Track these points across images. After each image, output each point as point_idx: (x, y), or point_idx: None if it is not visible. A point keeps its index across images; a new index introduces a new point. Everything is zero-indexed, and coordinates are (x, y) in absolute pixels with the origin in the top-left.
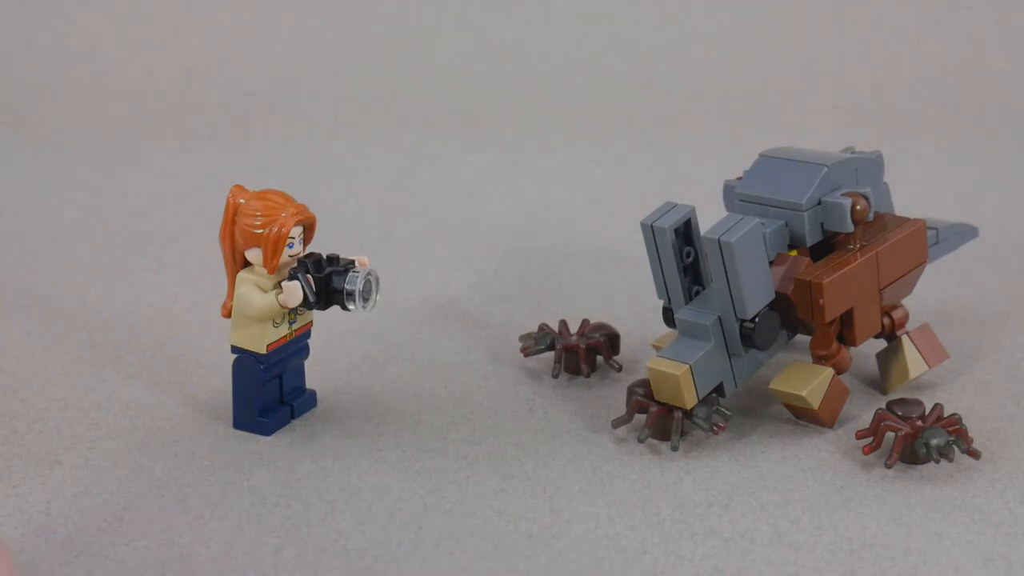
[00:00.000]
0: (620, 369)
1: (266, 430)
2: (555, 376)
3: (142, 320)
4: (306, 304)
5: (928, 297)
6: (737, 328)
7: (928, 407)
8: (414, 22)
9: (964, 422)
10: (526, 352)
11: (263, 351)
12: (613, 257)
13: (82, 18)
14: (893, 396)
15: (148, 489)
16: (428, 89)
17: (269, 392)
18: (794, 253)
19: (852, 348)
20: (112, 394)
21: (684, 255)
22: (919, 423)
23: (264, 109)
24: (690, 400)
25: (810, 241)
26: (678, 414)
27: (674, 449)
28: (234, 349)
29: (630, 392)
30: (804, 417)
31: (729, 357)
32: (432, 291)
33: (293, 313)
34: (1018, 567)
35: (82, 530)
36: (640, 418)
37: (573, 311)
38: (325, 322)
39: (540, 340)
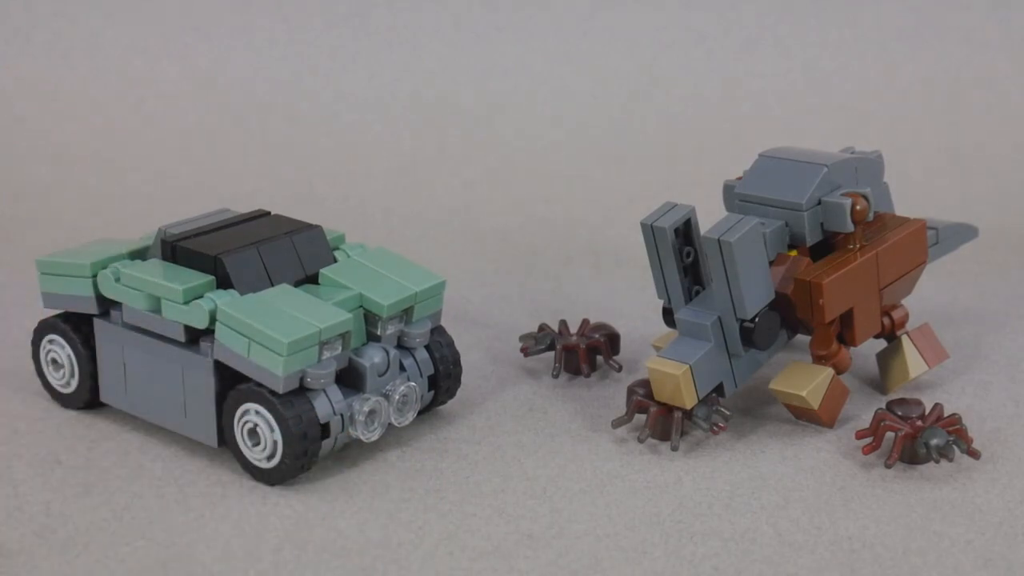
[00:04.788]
0: (620, 369)
1: None
2: (555, 376)
3: None
4: None
5: (928, 297)
6: (737, 328)
7: (928, 407)
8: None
9: (964, 422)
10: (526, 352)
11: None
12: (613, 257)
13: None
14: (893, 396)
15: (148, 489)
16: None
17: None
18: (794, 253)
19: (852, 348)
20: None
21: (684, 255)
22: (919, 423)
23: (264, 112)
24: (690, 400)
25: (810, 241)
26: (678, 414)
27: (674, 449)
28: None
29: (630, 392)
30: (804, 417)
31: (729, 357)
32: None
33: None
34: (1018, 567)
35: (82, 530)
36: (640, 418)
37: (573, 311)
38: None
39: (540, 340)
